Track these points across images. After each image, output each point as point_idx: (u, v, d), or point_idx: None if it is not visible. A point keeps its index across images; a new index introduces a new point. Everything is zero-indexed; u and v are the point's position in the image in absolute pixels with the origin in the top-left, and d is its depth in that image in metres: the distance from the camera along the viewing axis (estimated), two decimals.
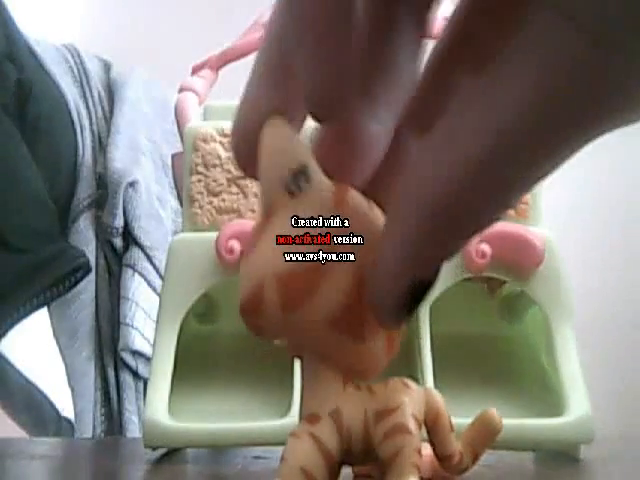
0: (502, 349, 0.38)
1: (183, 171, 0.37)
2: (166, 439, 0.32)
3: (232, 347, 0.38)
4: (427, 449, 0.27)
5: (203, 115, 0.39)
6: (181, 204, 0.38)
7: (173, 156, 0.39)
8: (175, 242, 0.35)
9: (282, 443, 0.32)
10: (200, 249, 0.35)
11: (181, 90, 0.42)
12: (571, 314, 0.34)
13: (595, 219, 1.07)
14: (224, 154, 0.36)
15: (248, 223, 0.35)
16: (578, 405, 0.32)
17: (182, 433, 0.32)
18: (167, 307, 0.34)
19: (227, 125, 0.37)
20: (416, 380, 0.34)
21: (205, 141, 0.36)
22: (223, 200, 0.36)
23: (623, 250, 1.08)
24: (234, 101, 0.38)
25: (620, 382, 1.04)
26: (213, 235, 0.34)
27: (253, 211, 0.36)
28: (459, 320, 0.38)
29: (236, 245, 0.34)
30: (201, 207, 0.36)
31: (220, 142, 0.36)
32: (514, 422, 0.33)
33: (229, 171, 0.36)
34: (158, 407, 0.32)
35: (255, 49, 0.42)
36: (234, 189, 0.36)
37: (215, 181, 0.36)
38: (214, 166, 0.36)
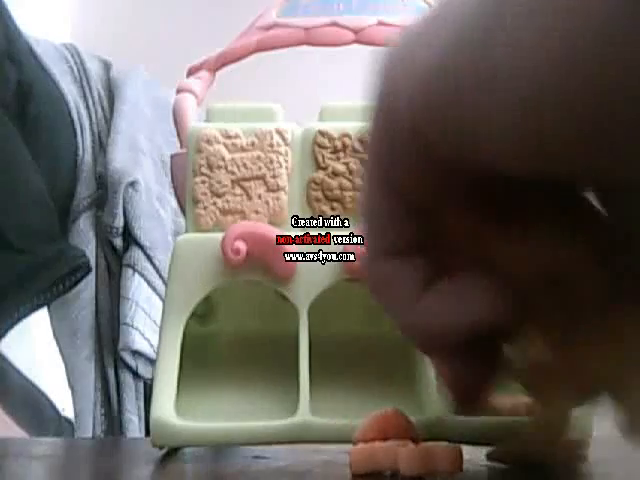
0: None
1: (186, 172, 0.36)
2: (174, 438, 0.32)
3: (233, 347, 0.38)
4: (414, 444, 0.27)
5: (205, 117, 0.39)
6: (180, 204, 0.38)
7: (173, 156, 0.39)
8: (180, 242, 0.35)
9: (291, 441, 0.32)
10: (205, 250, 0.34)
11: (179, 91, 0.42)
12: None
13: None
14: (228, 155, 0.36)
15: (254, 224, 0.35)
16: None
17: (191, 432, 0.32)
18: (172, 307, 0.34)
19: (231, 127, 0.37)
20: (415, 381, 0.34)
21: (209, 142, 0.37)
22: (227, 201, 0.36)
23: None
24: (236, 103, 0.38)
25: None
26: (219, 236, 0.34)
27: (257, 212, 0.36)
28: None
29: (242, 246, 0.34)
30: (205, 208, 0.36)
31: (224, 144, 0.37)
32: (520, 419, 0.33)
33: (233, 172, 0.36)
34: (165, 407, 0.32)
35: (252, 51, 0.42)
36: (238, 190, 0.36)
37: (219, 182, 0.36)
38: (218, 167, 0.36)
